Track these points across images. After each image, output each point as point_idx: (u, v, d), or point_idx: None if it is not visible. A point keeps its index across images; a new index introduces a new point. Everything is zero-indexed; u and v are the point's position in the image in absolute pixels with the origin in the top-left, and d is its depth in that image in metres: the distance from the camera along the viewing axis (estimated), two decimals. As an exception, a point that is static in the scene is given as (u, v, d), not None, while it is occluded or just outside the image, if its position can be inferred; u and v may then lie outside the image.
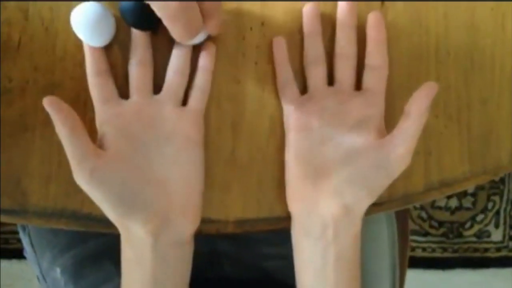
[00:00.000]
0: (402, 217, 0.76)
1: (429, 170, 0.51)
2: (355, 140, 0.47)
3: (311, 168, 0.47)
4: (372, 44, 0.48)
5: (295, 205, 0.48)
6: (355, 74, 0.49)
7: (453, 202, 1.34)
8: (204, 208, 0.48)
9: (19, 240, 0.70)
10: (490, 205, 1.33)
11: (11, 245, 1.30)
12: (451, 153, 0.51)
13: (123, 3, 0.45)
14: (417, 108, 0.44)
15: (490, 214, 1.34)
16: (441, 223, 1.34)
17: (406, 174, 0.48)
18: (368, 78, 0.48)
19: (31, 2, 0.47)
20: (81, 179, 0.43)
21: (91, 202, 0.44)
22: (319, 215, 0.46)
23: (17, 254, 1.26)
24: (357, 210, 0.46)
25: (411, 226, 1.33)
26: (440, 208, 1.34)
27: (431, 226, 1.34)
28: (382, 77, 0.48)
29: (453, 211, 1.33)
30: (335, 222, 0.46)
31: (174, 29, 0.42)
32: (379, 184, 0.46)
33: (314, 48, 0.49)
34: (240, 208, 0.50)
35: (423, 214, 1.34)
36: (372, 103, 0.48)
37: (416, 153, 0.50)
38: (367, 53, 0.49)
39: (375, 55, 0.48)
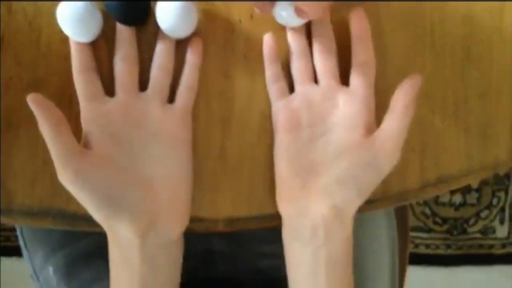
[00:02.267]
0: (401, 214, 0.75)
1: (425, 167, 0.50)
2: (343, 138, 0.46)
3: (300, 168, 0.46)
4: (356, 41, 0.47)
5: (284, 207, 0.47)
6: (337, 67, 0.48)
7: (457, 198, 1.32)
8: (193, 207, 0.47)
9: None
10: (495, 201, 1.32)
11: (11, 242, 1.30)
12: (447, 149, 0.50)
13: None
14: (402, 102, 0.43)
15: (495, 210, 1.32)
16: (445, 220, 1.32)
17: (401, 171, 0.47)
18: (355, 75, 0.47)
19: (13, -3, 0.46)
20: (65, 179, 0.42)
21: (77, 201, 0.43)
22: (309, 217, 0.45)
23: (18, 251, 1.26)
24: (348, 210, 0.45)
25: (415, 222, 1.31)
26: (444, 204, 1.32)
27: (435, 223, 1.33)
28: (369, 72, 0.47)
29: (457, 207, 1.32)
30: (325, 224, 0.44)
31: None
32: (369, 183, 0.45)
33: (297, 43, 0.48)
34: (230, 206, 0.49)
35: (427, 210, 1.33)
36: (359, 99, 0.46)
37: (412, 149, 0.49)
38: (352, 50, 0.47)
39: (360, 51, 0.47)
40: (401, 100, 0.43)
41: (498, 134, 0.50)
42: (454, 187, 0.50)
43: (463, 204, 1.32)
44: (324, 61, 0.47)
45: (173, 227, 0.46)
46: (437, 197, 1.31)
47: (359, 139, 0.45)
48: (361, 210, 0.46)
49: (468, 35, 0.49)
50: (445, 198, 1.32)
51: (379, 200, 0.49)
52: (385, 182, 0.45)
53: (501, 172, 0.51)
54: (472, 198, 1.32)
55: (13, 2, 0.46)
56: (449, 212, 1.32)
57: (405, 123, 0.43)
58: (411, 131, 0.44)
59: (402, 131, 0.43)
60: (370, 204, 0.48)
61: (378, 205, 0.49)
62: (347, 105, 0.46)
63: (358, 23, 0.47)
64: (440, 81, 0.49)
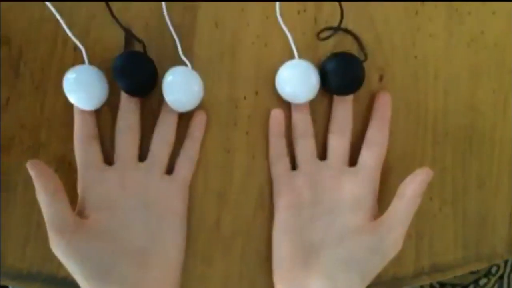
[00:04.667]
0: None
1: (421, 254, 0.49)
2: (346, 219, 0.45)
3: (301, 247, 0.45)
4: (376, 122, 0.47)
5: (282, 286, 0.46)
6: (349, 150, 0.48)
7: (456, 264, 1.30)
8: (184, 279, 0.47)
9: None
10: (494, 269, 1.29)
11: None
12: (444, 237, 0.49)
13: (117, 66, 0.44)
14: (411, 192, 0.43)
15: (493, 279, 1.29)
16: (442, 285, 1.30)
17: (397, 257, 0.45)
18: (366, 155, 0.47)
19: (22, 60, 0.47)
20: (57, 247, 0.41)
21: (68, 267, 0.43)
22: None
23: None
24: None
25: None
26: (442, 269, 1.30)
27: None
28: (380, 155, 0.47)
29: (455, 273, 1.30)
30: None
31: None
32: (373, 269, 0.44)
33: (302, 121, 0.47)
34: (221, 280, 0.48)
35: (425, 274, 1.30)
36: (366, 181, 0.46)
37: (408, 236, 0.48)
38: (369, 129, 0.47)
39: (377, 133, 0.47)
40: (412, 188, 0.43)
41: (495, 225, 0.50)
42: (448, 276, 0.50)
43: (462, 270, 1.30)
44: (338, 140, 0.47)
45: None
46: (436, 261, 1.29)
47: (363, 222, 0.45)
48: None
49: (471, 126, 0.49)
50: (444, 263, 1.29)
51: (374, 285, 0.48)
52: (380, 266, 0.45)
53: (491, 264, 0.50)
54: (471, 265, 1.30)
55: (21, 66, 0.47)
56: (448, 278, 1.30)
57: (412, 213, 0.43)
58: (409, 217, 0.44)
59: (408, 221, 0.43)
60: (363, 288, 0.47)
61: (371, 289, 0.49)
62: (352, 186, 0.46)
63: (383, 105, 0.47)
64: (439, 169, 0.49)
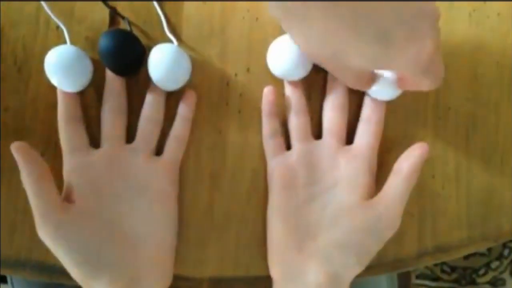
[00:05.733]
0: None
1: (423, 234, 0.47)
2: (342, 200, 0.44)
3: (295, 229, 0.44)
4: (371, 98, 0.45)
5: (277, 270, 0.44)
6: (345, 125, 0.46)
7: (467, 247, 1.28)
8: (178, 265, 0.45)
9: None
10: (506, 252, 1.28)
11: None
12: (447, 216, 0.47)
13: (103, 46, 0.42)
14: (408, 167, 0.42)
15: (506, 262, 1.28)
16: (453, 269, 1.28)
17: (398, 237, 0.44)
18: (362, 133, 0.45)
19: (4, 41, 0.45)
20: (44, 234, 0.40)
21: (56, 254, 0.42)
22: (303, 282, 0.43)
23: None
24: (345, 277, 0.43)
25: (422, 270, 1.28)
26: (453, 252, 1.28)
27: (443, 271, 1.28)
28: (377, 132, 0.45)
29: (466, 257, 1.28)
30: None
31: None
32: (369, 250, 0.43)
33: (296, 98, 0.46)
34: (215, 265, 0.46)
35: (435, 258, 1.29)
36: (362, 160, 0.44)
37: (410, 215, 0.47)
38: (364, 106, 0.46)
39: (373, 110, 0.45)
40: (408, 165, 0.42)
41: (501, 202, 0.48)
42: (453, 257, 0.48)
43: (473, 253, 1.28)
44: (333, 118, 0.45)
45: (155, 287, 0.43)
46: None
47: (359, 202, 0.43)
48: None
49: (474, 100, 0.47)
50: (455, 246, 1.28)
51: (375, 267, 0.46)
52: (382, 248, 0.43)
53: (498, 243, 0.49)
54: (482, 247, 1.28)
55: (3, 46, 0.45)
56: (458, 261, 1.28)
57: (409, 188, 0.42)
58: (410, 195, 0.42)
59: (404, 198, 0.42)
60: (364, 270, 0.45)
61: (373, 271, 0.47)
62: (348, 166, 0.44)
63: None
64: (442, 145, 0.47)
